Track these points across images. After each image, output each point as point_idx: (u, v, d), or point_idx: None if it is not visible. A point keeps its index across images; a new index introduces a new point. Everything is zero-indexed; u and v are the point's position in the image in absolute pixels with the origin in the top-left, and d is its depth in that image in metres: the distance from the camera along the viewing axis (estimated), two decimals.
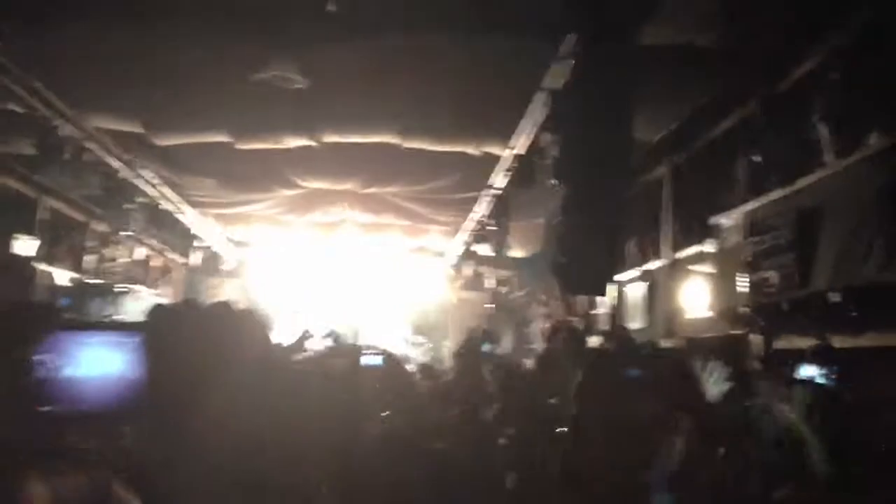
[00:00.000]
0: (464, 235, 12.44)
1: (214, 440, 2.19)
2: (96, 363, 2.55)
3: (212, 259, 14.70)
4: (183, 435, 2.24)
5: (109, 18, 6.04)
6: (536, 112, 6.99)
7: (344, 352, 5.70)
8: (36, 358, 2.49)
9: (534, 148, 7.61)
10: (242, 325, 2.51)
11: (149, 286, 12.88)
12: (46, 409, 2.47)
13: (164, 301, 10.39)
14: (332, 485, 2.80)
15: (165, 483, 2.18)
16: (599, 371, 3.00)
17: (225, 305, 2.63)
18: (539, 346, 8.32)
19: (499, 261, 11.65)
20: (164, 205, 11.13)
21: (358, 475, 2.82)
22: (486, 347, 7.29)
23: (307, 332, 6.20)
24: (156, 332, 2.47)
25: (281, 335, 6.72)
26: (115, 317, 9.54)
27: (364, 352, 5.65)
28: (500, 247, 11.00)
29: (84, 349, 2.55)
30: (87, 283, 10.27)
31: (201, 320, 2.53)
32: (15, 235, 8.67)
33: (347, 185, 10.31)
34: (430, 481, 2.89)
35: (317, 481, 2.67)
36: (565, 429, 2.97)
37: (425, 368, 8.27)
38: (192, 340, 2.40)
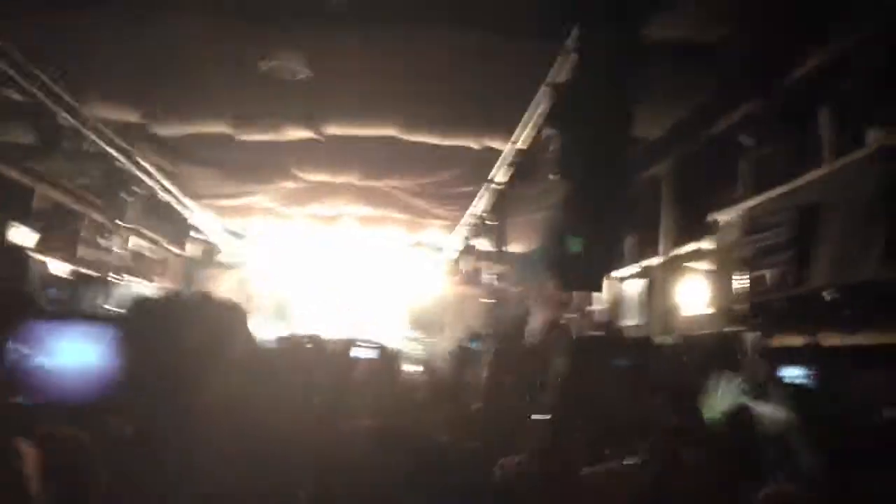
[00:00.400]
0: (463, 230, 12.43)
1: (194, 431, 2.18)
2: (71, 353, 2.53)
3: (210, 251, 14.68)
4: (163, 426, 2.23)
5: (110, 6, 6.03)
6: (538, 106, 6.98)
7: (333, 345, 5.68)
8: (9, 346, 2.47)
9: (535, 143, 7.59)
10: (222, 315, 2.49)
11: (146, 277, 12.85)
12: (17, 399, 2.46)
13: (151, 292, 10.36)
14: (311, 488, 2.77)
15: (146, 474, 2.18)
16: (580, 359, 2.99)
17: (204, 296, 2.61)
18: (534, 340, 8.33)
19: (497, 256, 11.62)
20: (163, 195, 11.10)
21: (340, 474, 2.80)
22: (474, 344, 7.38)
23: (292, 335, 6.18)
24: (132, 322, 2.46)
25: (269, 331, 6.71)
26: (105, 307, 9.53)
27: (357, 345, 5.64)
28: (498, 242, 10.99)
29: (59, 339, 2.53)
30: (83, 274, 10.24)
31: (180, 311, 2.51)
32: (11, 224, 8.64)
33: (347, 178, 10.29)
34: (418, 476, 2.88)
35: (295, 484, 2.65)
36: (546, 417, 2.95)
37: (422, 363, 8.28)
38: (171, 331, 2.39)
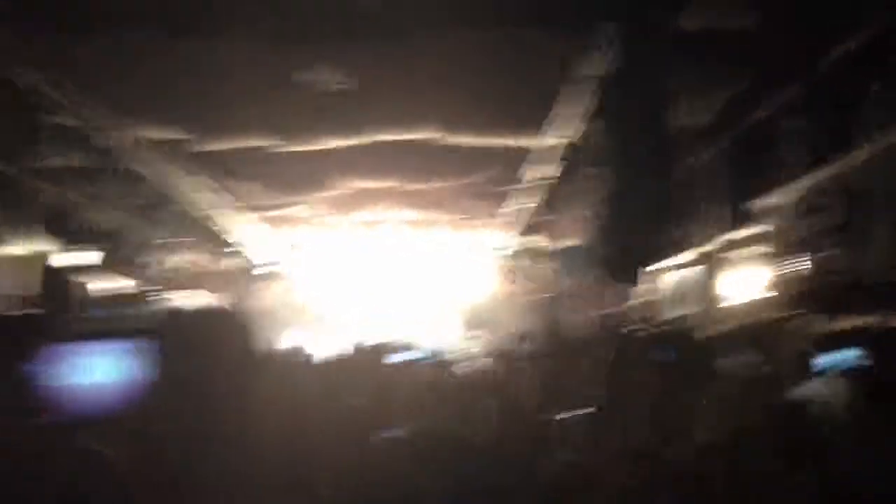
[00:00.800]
0: (509, 228, 12.42)
1: (221, 439, 2.25)
2: (98, 370, 2.62)
3: (257, 262, 14.87)
4: (189, 435, 2.30)
5: (150, 28, 6.15)
6: (578, 102, 6.94)
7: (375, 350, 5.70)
8: (37, 367, 2.56)
9: (577, 138, 7.56)
10: (226, 326, 2.56)
11: (198, 291, 13.07)
12: (49, 416, 2.55)
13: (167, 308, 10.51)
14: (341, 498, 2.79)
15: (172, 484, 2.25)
16: (621, 353, 2.98)
17: (212, 309, 2.70)
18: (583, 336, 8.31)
19: (545, 252, 11.59)
20: (211, 211, 11.29)
21: (370, 485, 2.80)
22: (523, 345, 7.42)
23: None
24: (155, 337, 2.55)
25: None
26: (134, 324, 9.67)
27: (403, 349, 5.67)
28: (546, 238, 10.96)
29: (86, 357, 2.62)
30: (133, 291, 10.45)
31: (199, 324, 2.59)
32: (56, 245, 8.84)
33: (389, 183, 10.35)
34: (456, 485, 2.87)
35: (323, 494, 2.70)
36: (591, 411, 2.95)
37: (472, 364, 8.28)
38: (193, 343, 2.47)
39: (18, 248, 8.22)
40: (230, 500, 2.28)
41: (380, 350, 5.74)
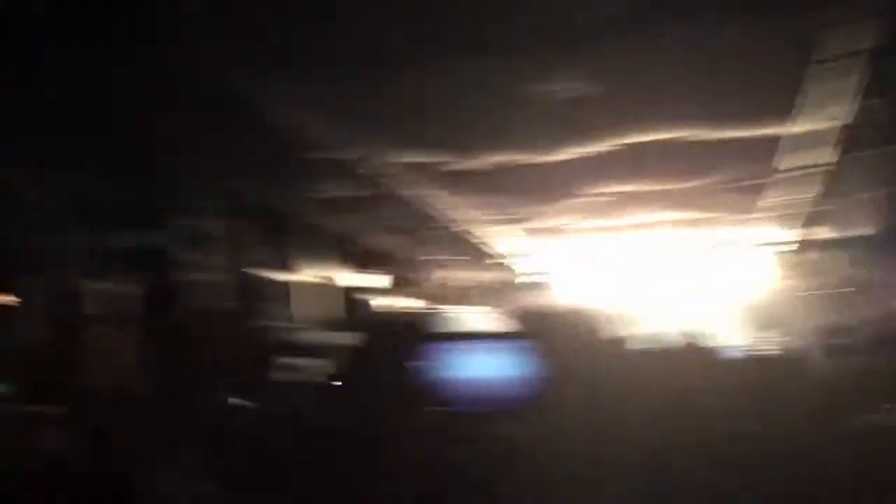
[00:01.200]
0: (783, 221, 11.47)
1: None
2: (470, 367, 2.77)
3: (526, 273, 15.02)
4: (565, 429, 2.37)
5: (401, 60, 6.41)
6: (852, 77, 6.20)
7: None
8: (417, 363, 2.76)
9: (851, 117, 6.76)
10: (585, 325, 2.59)
11: (461, 305, 13.47)
12: (436, 408, 2.72)
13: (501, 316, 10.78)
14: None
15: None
16: None
17: (569, 309, 2.79)
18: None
19: (831, 243, 10.55)
20: (471, 227, 11.60)
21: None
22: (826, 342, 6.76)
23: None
24: (541, 335, 2.67)
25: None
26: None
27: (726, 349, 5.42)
28: (828, 228, 10.01)
29: (459, 355, 2.78)
30: (410, 307, 10.97)
31: (574, 323, 2.65)
32: (341, 269, 9.50)
33: (642, 186, 10.02)
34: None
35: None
36: None
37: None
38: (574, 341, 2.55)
39: (312, 275, 8.95)
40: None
41: (701, 348, 5.58)
